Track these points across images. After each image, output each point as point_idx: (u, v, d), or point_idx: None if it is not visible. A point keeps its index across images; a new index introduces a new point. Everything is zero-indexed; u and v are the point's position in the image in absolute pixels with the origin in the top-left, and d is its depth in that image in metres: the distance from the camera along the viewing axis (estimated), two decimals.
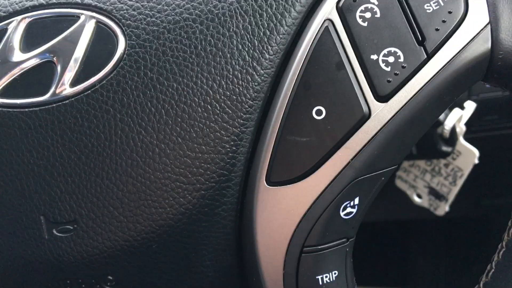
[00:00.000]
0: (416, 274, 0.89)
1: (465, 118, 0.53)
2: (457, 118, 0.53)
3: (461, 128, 0.54)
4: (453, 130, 0.53)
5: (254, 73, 0.33)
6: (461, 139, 0.55)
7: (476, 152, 0.55)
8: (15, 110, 0.33)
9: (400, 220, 0.82)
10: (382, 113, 0.31)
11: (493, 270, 0.34)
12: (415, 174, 0.60)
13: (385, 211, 0.75)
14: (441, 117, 0.53)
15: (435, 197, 0.60)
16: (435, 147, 0.55)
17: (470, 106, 0.53)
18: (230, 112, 0.33)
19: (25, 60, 0.34)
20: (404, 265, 0.90)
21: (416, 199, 0.62)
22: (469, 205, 0.76)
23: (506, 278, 0.33)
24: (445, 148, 0.54)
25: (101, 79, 0.33)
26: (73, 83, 0.33)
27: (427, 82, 0.31)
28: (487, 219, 0.81)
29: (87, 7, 0.34)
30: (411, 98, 0.31)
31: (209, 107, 0.33)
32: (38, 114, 0.33)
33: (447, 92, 0.32)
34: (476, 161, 0.55)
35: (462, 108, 0.53)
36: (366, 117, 0.32)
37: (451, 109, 0.53)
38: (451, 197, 0.59)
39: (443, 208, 0.60)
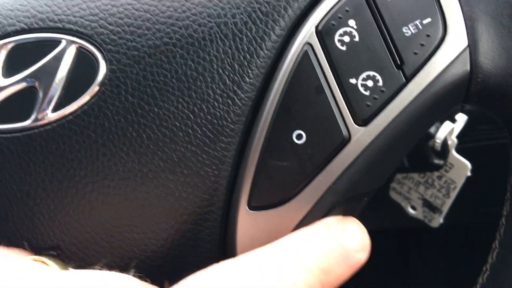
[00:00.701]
0: (415, 279, 0.89)
1: (457, 131, 0.53)
2: (448, 131, 0.52)
3: (452, 141, 0.53)
4: (444, 143, 0.53)
5: (234, 96, 0.32)
6: (453, 152, 0.54)
7: (468, 164, 0.55)
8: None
9: (399, 227, 0.82)
10: (362, 137, 0.31)
11: (488, 272, 0.33)
12: (409, 186, 0.60)
13: (384, 219, 0.75)
14: (433, 130, 0.53)
15: (429, 209, 0.60)
16: (427, 160, 0.54)
17: (461, 119, 0.53)
18: (212, 136, 0.33)
19: (7, 85, 0.34)
20: (403, 271, 0.89)
21: (411, 210, 0.61)
22: (468, 213, 0.75)
23: (501, 279, 0.33)
24: (437, 161, 0.54)
25: (82, 105, 0.33)
26: (55, 108, 0.33)
27: (406, 106, 0.31)
28: (486, 226, 0.81)
29: (68, 32, 0.34)
30: (390, 122, 0.31)
31: (190, 131, 0.33)
32: (20, 139, 0.33)
33: (426, 116, 0.32)
34: (469, 174, 0.55)
35: (454, 121, 0.53)
36: (346, 141, 0.31)
37: (442, 122, 0.52)
38: (445, 209, 0.58)
39: (438, 220, 0.59)
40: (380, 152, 0.32)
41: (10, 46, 0.34)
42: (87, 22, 0.34)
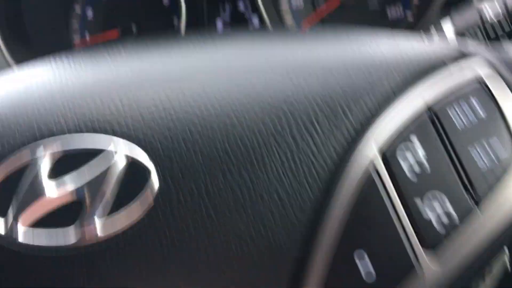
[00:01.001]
0: None
1: None
2: None
3: None
4: None
5: (294, 220, 0.31)
6: None
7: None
8: (41, 249, 0.32)
9: None
10: (431, 264, 0.30)
11: None
12: None
13: None
14: None
15: None
16: None
17: None
18: (267, 260, 0.31)
19: (53, 193, 0.32)
20: None
21: None
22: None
23: None
24: None
25: (132, 220, 0.31)
26: (103, 222, 0.32)
27: (475, 233, 0.30)
28: None
29: (118, 138, 0.33)
30: (461, 250, 0.30)
31: (245, 252, 0.31)
32: (66, 257, 0.31)
33: (498, 244, 0.31)
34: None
35: None
36: (415, 268, 0.30)
37: None
38: None
39: None
40: (452, 282, 0.30)
41: (56, 150, 0.33)
42: (139, 132, 0.32)
